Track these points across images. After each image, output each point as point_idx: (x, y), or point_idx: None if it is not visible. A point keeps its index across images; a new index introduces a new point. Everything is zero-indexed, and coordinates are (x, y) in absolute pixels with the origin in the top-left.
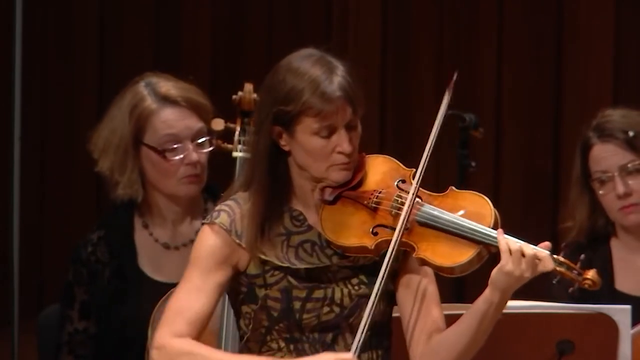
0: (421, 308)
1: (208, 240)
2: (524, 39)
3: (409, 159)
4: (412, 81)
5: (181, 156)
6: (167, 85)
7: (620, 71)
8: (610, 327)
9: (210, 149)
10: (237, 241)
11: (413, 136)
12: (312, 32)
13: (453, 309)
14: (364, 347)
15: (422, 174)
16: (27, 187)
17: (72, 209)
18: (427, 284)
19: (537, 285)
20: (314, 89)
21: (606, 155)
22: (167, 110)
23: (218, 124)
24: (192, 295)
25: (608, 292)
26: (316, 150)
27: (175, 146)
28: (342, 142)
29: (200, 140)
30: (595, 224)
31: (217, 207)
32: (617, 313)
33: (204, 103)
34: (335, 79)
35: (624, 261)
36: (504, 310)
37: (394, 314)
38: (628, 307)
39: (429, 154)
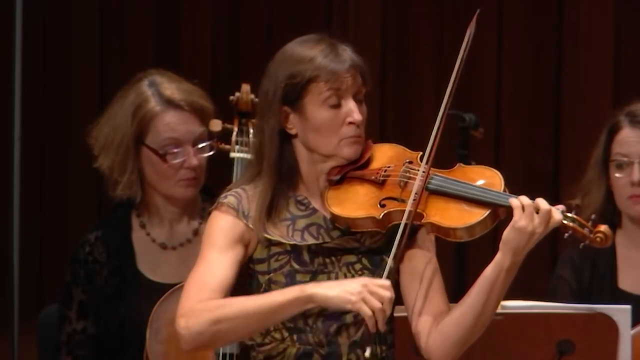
0: (427, 291)
1: (219, 221)
2: (524, 39)
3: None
4: (412, 81)
5: (181, 160)
6: (171, 88)
7: (620, 71)
8: (610, 327)
9: (211, 153)
10: (244, 221)
11: (413, 136)
12: (312, 32)
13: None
14: (367, 341)
15: (438, 138)
16: (27, 187)
17: (72, 209)
18: (432, 267)
19: (537, 285)
20: (321, 58)
21: (632, 140)
22: (170, 114)
23: (216, 125)
24: (212, 266)
25: (610, 291)
26: (326, 123)
27: (176, 150)
28: (352, 111)
29: (201, 145)
30: (605, 211)
31: (223, 194)
32: (617, 313)
33: (206, 106)
34: (342, 52)
35: (628, 258)
36: (504, 311)
37: (397, 314)
38: (628, 307)
39: (443, 118)
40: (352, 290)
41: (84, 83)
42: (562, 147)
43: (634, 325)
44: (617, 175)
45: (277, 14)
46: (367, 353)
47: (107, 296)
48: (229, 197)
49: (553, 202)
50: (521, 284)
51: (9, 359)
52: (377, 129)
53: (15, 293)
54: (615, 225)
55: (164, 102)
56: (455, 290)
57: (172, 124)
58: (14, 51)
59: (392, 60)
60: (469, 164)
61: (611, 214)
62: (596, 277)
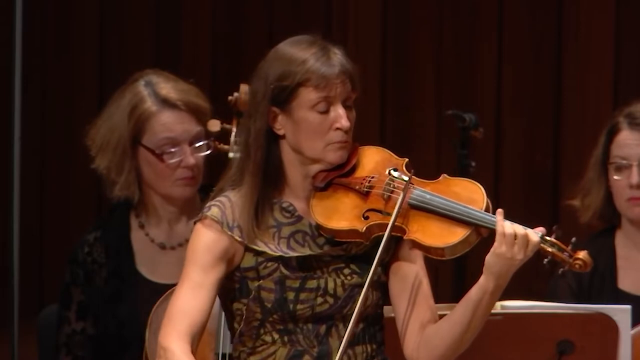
0: (414, 298)
1: (203, 237)
2: (524, 39)
3: (409, 159)
4: (412, 80)
5: (178, 159)
6: (167, 87)
7: (620, 71)
8: (610, 327)
9: (208, 152)
10: (229, 233)
11: (413, 136)
12: (312, 32)
13: (452, 309)
14: (358, 340)
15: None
16: (27, 187)
17: (72, 209)
18: (420, 274)
19: (537, 286)
20: (312, 61)
21: (631, 143)
22: (166, 113)
23: (214, 125)
24: (195, 292)
25: (611, 292)
26: (313, 127)
27: (173, 149)
28: (340, 117)
29: (197, 144)
30: (605, 211)
31: (207, 204)
32: (617, 313)
33: (203, 106)
34: (333, 56)
35: (628, 259)
36: (504, 311)
37: (388, 315)
38: (628, 307)
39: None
40: None
41: (84, 83)
42: (562, 147)
43: (634, 325)
44: (616, 177)
45: (277, 14)
46: None
47: (106, 297)
48: (212, 209)
49: (553, 202)
50: (521, 284)
51: (9, 359)
52: (377, 129)
53: (15, 293)
54: (615, 226)
55: (160, 102)
56: (455, 291)
57: (168, 123)
58: (14, 51)
59: (392, 60)
60: (469, 168)
61: (611, 215)
62: (596, 277)
